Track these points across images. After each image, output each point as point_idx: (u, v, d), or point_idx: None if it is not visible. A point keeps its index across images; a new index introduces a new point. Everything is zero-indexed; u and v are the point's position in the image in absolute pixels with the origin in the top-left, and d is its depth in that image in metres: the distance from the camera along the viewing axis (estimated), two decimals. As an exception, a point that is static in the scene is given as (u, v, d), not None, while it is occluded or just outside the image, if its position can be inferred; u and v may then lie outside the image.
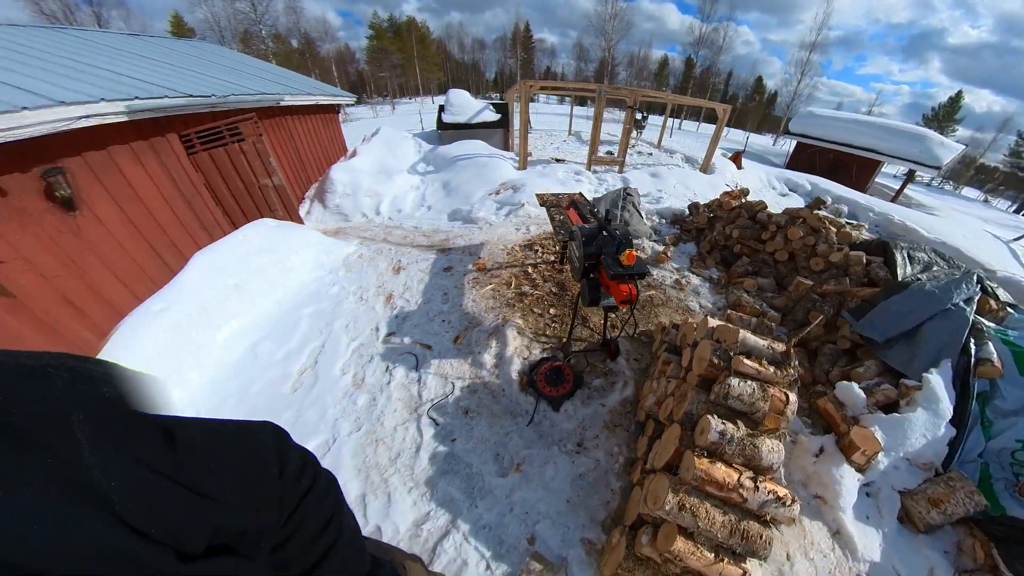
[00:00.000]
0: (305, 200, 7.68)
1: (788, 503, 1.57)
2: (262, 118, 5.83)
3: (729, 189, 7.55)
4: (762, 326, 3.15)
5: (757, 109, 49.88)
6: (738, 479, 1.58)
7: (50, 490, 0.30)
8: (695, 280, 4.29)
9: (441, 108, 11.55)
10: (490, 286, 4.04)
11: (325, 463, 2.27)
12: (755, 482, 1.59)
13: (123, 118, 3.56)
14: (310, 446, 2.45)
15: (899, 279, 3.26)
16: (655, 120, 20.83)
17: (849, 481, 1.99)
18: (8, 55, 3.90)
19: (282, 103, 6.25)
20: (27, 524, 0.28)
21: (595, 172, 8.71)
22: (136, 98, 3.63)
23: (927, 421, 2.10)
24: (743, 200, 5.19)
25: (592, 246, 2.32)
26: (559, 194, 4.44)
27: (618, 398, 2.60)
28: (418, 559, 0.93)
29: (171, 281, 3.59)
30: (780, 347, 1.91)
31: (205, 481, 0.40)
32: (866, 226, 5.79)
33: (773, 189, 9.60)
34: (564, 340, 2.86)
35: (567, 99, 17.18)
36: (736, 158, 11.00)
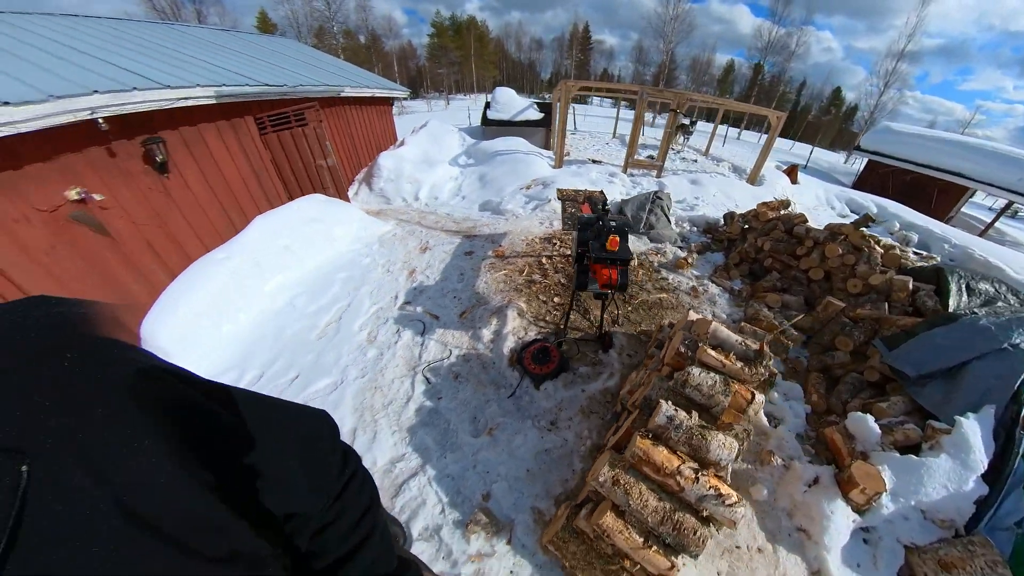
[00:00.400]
0: (355, 182, 8.38)
1: (731, 503, 1.48)
2: (323, 107, 6.51)
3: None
4: (777, 343, 3.00)
5: (832, 123, 45.57)
6: (677, 466, 1.55)
7: (170, 455, 0.32)
8: (714, 289, 4.11)
9: (487, 105, 11.99)
10: (503, 271, 4.32)
11: (330, 400, 2.69)
12: (696, 473, 1.54)
13: (212, 101, 4.24)
14: (321, 385, 2.89)
15: (949, 310, 2.90)
16: (704, 127, 20.03)
17: (840, 519, 1.79)
18: (126, 45, 4.73)
19: (342, 94, 6.90)
20: (151, 478, 0.30)
21: (632, 175, 8.64)
22: (223, 85, 4.30)
23: (951, 471, 1.82)
24: (781, 212, 4.88)
25: (586, 233, 2.51)
26: (579, 190, 4.63)
27: (600, 387, 2.70)
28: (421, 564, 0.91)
29: (234, 237, 4.23)
30: (754, 344, 1.92)
31: (270, 451, 0.41)
32: (937, 258, 4.85)
33: (832, 209, 8.92)
34: (560, 326, 3.04)
35: (623, 103, 16.87)
36: (791, 171, 10.35)
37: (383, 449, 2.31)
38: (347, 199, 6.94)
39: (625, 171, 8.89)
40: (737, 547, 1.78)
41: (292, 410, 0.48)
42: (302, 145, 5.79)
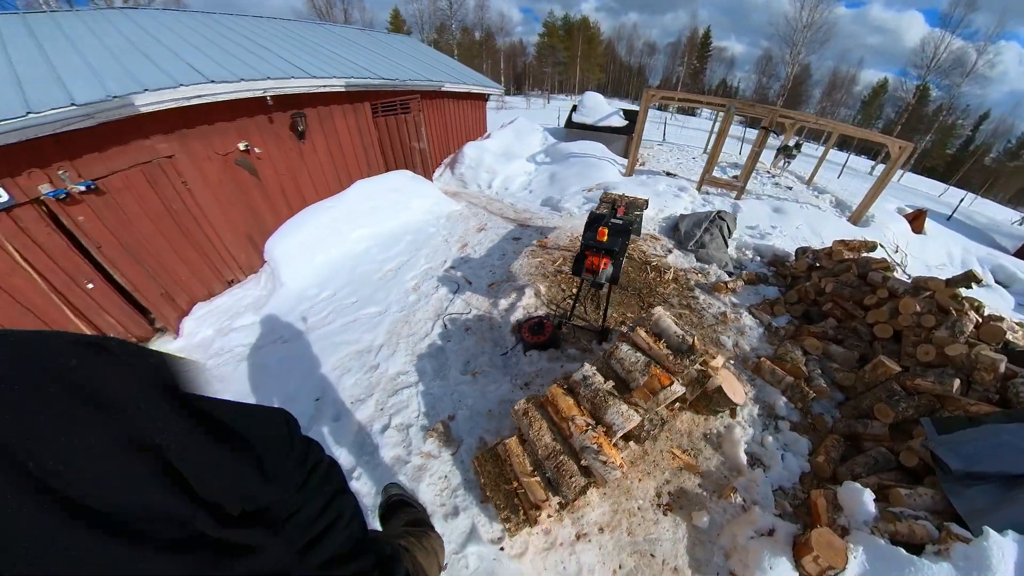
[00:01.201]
0: (442, 165, 9.43)
1: (608, 463, 1.57)
2: (425, 98, 7.55)
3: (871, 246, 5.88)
4: (796, 390, 2.64)
5: (1020, 172, 33.53)
6: (573, 415, 1.72)
7: (117, 444, 0.31)
8: (748, 321, 3.68)
9: (573, 108, 12.31)
10: (540, 259, 4.80)
11: (373, 322, 3.50)
12: (587, 427, 1.66)
13: (342, 89, 5.38)
14: (371, 310, 3.72)
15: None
16: (811, 150, 17.67)
17: (778, 579, 1.63)
18: (289, 41, 6.15)
19: (442, 88, 7.87)
20: (96, 471, 0.29)
21: (706, 193, 8.22)
22: (352, 77, 5.41)
23: (952, 586, 1.43)
24: (861, 254, 4.18)
25: (591, 227, 2.75)
26: (625, 195, 4.89)
27: (578, 368, 3.11)
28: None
29: (339, 193, 5.36)
30: (690, 339, 2.02)
31: (237, 449, 0.42)
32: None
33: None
34: (567, 310, 3.35)
35: (738, 118, 15.62)
36: (917, 217, 8.40)
37: (396, 363, 3.01)
38: (430, 178, 7.95)
39: (699, 188, 8.51)
40: (652, 555, 1.76)
41: (248, 411, 0.49)
42: (403, 129, 6.87)
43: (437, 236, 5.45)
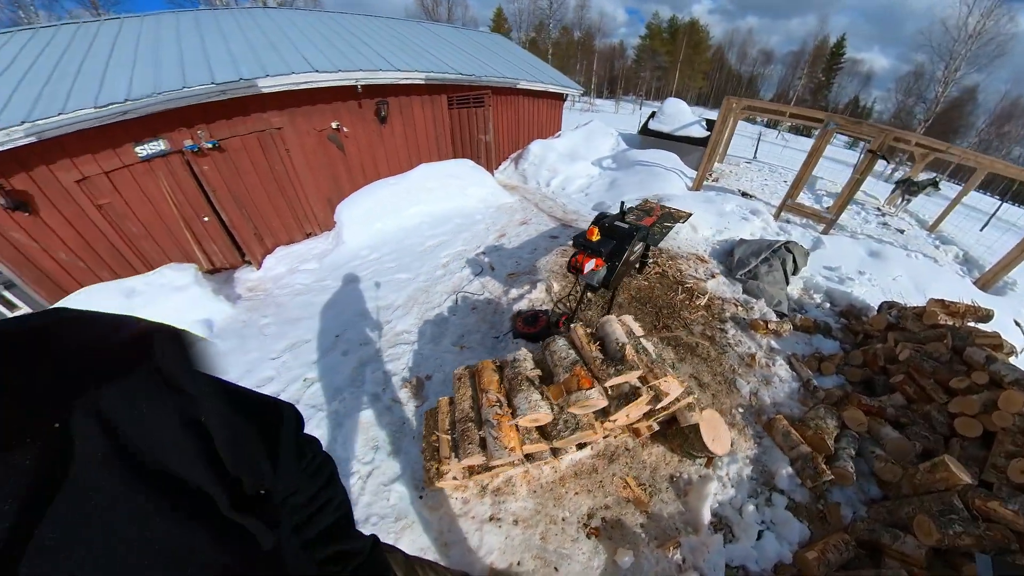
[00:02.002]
0: (509, 159, 9.75)
1: (499, 441, 1.60)
2: (499, 94, 7.87)
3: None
4: (810, 465, 2.09)
5: None
6: (488, 389, 1.77)
7: (179, 419, 0.33)
8: (782, 372, 3.01)
9: (652, 115, 11.73)
10: (566, 259, 4.88)
11: (401, 285, 3.93)
12: (496, 403, 1.69)
13: (422, 81, 5.92)
14: (402, 276, 4.17)
15: None
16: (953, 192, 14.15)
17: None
18: (385, 37, 6.88)
19: (517, 85, 8.11)
20: (163, 442, 0.31)
21: (785, 221, 7.28)
22: (431, 71, 5.93)
23: None
24: (964, 322, 3.30)
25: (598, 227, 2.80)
26: (667, 206, 4.70)
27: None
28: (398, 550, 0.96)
29: (405, 173, 5.96)
30: (629, 352, 1.74)
31: (259, 429, 0.45)
32: None
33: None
34: (570, 310, 3.26)
35: (859, 141, 13.25)
36: None
37: (404, 323, 3.40)
38: (492, 170, 8.32)
39: (777, 214, 7.32)
40: (556, 569, 1.70)
41: (263, 400, 0.50)
42: (473, 121, 7.30)
43: (481, 223, 5.79)
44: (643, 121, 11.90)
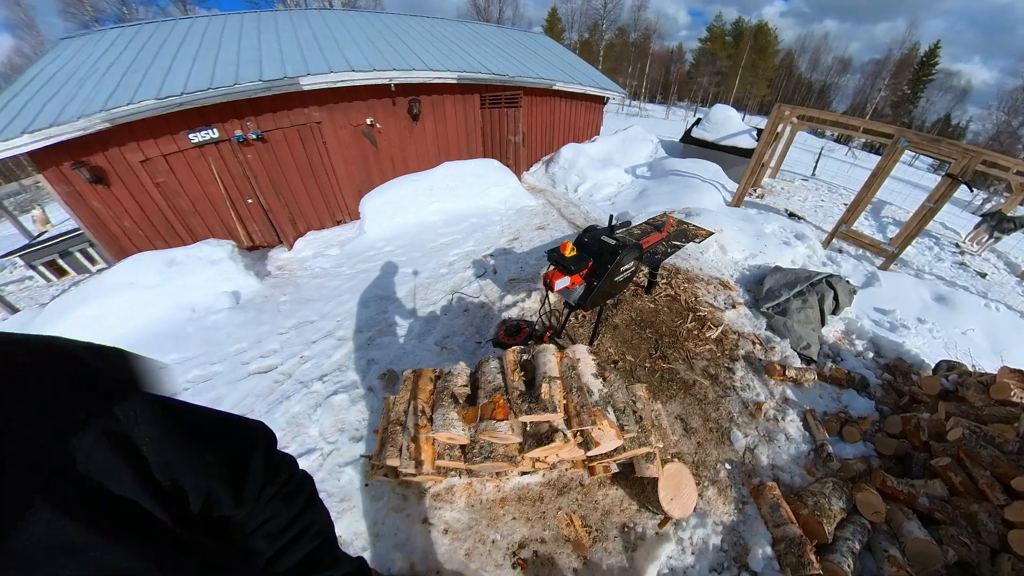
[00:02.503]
0: (540, 161, 9.64)
1: (407, 450, 1.61)
2: (534, 95, 7.76)
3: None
4: (795, 550, 1.73)
5: None
6: (420, 396, 1.77)
7: (106, 436, 0.33)
8: (793, 429, 2.48)
9: (697, 121, 11.05)
10: (577, 263, 4.77)
11: (406, 280, 4.03)
12: (423, 414, 1.68)
13: (454, 81, 6.01)
14: (408, 271, 4.29)
15: None
16: None
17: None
18: (425, 37, 7.02)
19: (554, 87, 7.93)
20: (90, 465, 0.31)
21: (836, 250, 5.60)
22: (464, 71, 5.99)
23: None
24: None
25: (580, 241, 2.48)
26: (683, 221, 4.42)
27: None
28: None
29: (429, 169, 6.10)
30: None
31: (202, 452, 0.43)
32: None
33: None
34: (556, 328, 3.11)
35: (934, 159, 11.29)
36: None
37: (398, 316, 3.51)
38: (520, 171, 8.28)
39: (827, 242, 5.88)
40: None
41: (226, 419, 0.48)
42: (504, 122, 7.30)
43: (497, 225, 5.79)
44: (688, 128, 11.24)
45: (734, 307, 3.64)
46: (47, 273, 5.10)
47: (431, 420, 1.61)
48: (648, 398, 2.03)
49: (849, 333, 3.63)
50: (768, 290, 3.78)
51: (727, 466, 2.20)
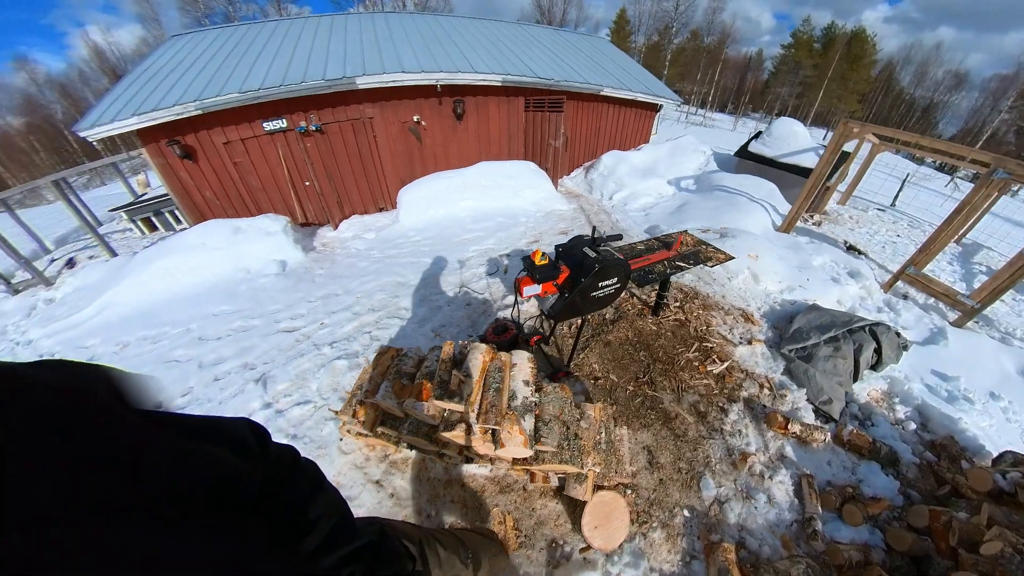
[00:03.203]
0: (582, 166, 9.46)
1: (347, 411, 1.76)
2: (581, 100, 7.60)
3: None
4: None
5: None
6: (376, 369, 1.87)
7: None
8: (781, 493, 2.16)
9: (756, 135, 10.13)
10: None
11: (421, 270, 4.25)
12: (368, 383, 1.82)
13: (498, 83, 6.11)
14: (427, 260, 4.50)
15: None
16: None
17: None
18: (475, 39, 7.16)
19: (601, 92, 7.69)
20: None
21: (900, 296, 4.54)
22: (508, 74, 6.06)
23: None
24: None
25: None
26: (702, 240, 4.13)
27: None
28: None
29: (465, 168, 6.30)
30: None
31: (201, 447, 0.42)
32: None
33: None
34: (544, 334, 3.05)
35: None
36: None
37: (408, 301, 3.71)
38: (557, 175, 8.22)
39: (889, 285, 4.70)
40: None
41: (211, 422, 0.48)
42: (545, 125, 7.28)
43: (522, 226, 5.84)
44: (746, 141, 10.35)
45: (750, 343, 3.22)
46: (142, 227, 6.07)
47: (378, 390, 1.75)
48: (604, 419, 1.97)
49: (891, 395, 2.96)
50: (796, 330, 3.22)
51: (686, 513, 1.99)
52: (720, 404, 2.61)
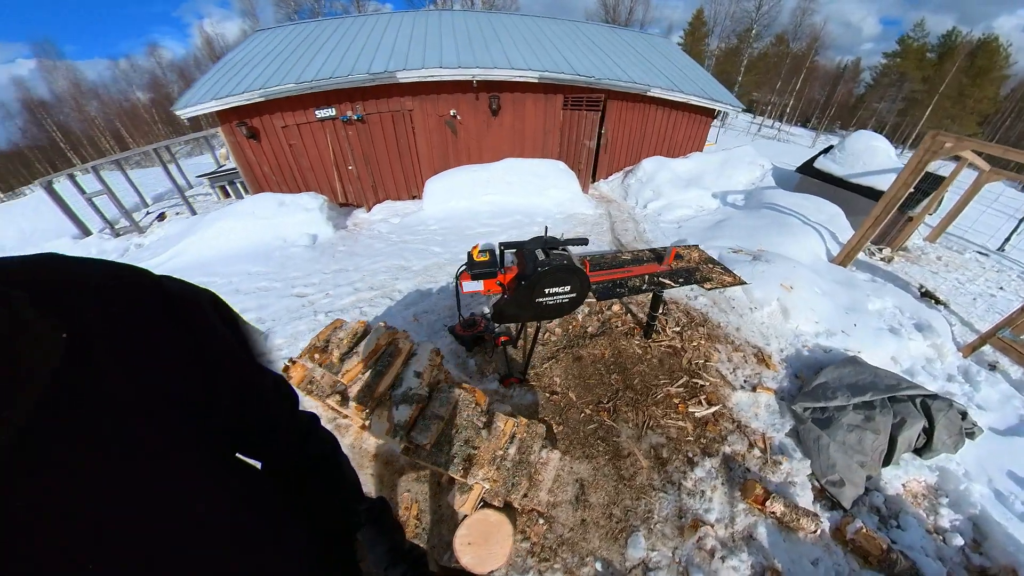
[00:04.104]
0: (623, 170, 8.89)
1: (290, 376, 1.70)
2: (627, 100, 7.01)
3: None
4: None
5: None
6: (321, 337, 1.84)
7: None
8: None
9: (826, 150, 8.72)
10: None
11: (432, 257, 4.27)
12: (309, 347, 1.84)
13: (535, 80, 5.91)
14: (436, 249, 4.52)
15: None
16: None
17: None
18: (522, 36, 6.95)
19: (648, 93, 6.99)
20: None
21: (988, 367, 3.17)
22: (546, 71, 5.83)
23: None
24: None
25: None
26: (711, 257, 3.52)
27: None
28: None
29: (491, 163, 6.23)
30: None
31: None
32: None
33: None
34: (515, 336, 2.78)
35: None
36: None
37: (405, 285, 3.76)
38: (587, 177, 7.73)
39: (971, 350, 3.31)
40: None
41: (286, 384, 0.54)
42: (581, 124, 6.91)
43: (536, 226, 5.60)
44: (813, 156, 8.96)
45: (754, 389, 2.56)
46: (219, 193, 6.88)
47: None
48: (525, 437, 1.77)
49: (937, 493, 2.17)
50: (820, 384, 2.43)
51: (599, 567, 1.64)
52: (689, 454, 2.12)
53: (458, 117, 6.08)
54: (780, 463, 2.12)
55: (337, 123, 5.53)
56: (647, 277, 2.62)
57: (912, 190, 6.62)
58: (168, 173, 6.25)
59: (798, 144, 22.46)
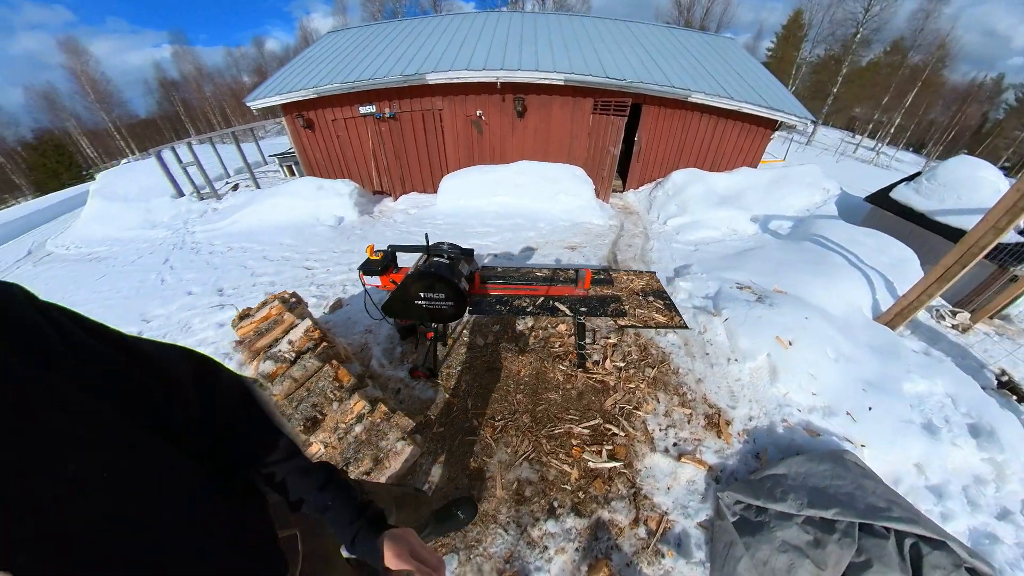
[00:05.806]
0: (655, 181, 7.94)
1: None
2: (665, 106, 6.16)
3: None
4: None
5: None
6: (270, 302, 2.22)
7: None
8: None
9: (911, 177, 6.78)
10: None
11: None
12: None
13: (561, 83, 5.48)
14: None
15: None
16: None
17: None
18: (560, 35, 6.40)
19: (690, 99, 6.05)
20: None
21: None
22: (572, 73, 5.36)
23: None
24: None
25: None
26: (661, 292, 2.95)
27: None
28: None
29: (507, 164, 6.04)
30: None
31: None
32: None
33: None
34: (442, 333, 2.67)
35: None
36: None
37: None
38: (606, 183, 7.04)
39: None
40: None
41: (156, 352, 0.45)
42: (607, 129, 6.31)
43: (534, 232, 5.29)
44: (888, 185, 7.04)
45: (680, 458, 1.84)
46: (285, 172, 7.72)
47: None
48: (377, 421, 1.72)
49: None
50: (771, 476, 1.57)
51: None
52: (555, 503, 1.66)
53: (484, 118, 5.96)
54: (665, 557, 1.50)
55: (374, 119, 5.79)
56: (541, 300, 2.27)
57: (1020, 238, 4.74)
58: (240, 151, 7.18)
59: (899, 171, 17.53)
